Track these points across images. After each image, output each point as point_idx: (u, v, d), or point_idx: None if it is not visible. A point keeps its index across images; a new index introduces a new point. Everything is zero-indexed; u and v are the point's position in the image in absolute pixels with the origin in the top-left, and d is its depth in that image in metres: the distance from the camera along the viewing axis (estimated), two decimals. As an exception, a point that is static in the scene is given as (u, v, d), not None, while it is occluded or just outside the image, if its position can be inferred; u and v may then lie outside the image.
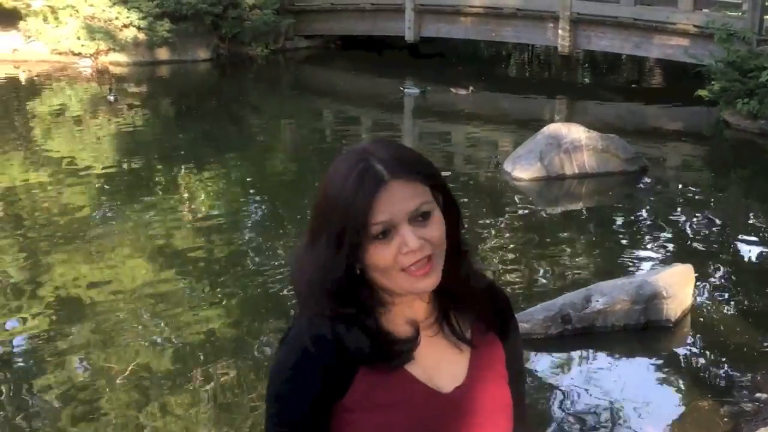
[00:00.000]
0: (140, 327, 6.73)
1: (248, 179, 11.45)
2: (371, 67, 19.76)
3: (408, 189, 1.57)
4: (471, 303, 1.71)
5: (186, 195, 10.46)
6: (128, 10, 18.69)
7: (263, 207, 10.40)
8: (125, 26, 18.76)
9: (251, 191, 10.90)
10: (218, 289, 7.48)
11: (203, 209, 9.85)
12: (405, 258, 1.56)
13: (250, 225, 9.55)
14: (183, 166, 11.58)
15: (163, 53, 19.46)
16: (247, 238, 8.98)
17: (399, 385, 1.62)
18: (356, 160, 1.59)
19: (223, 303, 7.22)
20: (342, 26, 21.15)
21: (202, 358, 6.22)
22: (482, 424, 1.67)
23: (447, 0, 19.46)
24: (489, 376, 1.71)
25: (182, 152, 12.51)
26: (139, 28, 18.77)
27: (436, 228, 1.59)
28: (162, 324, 6.79)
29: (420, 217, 1.57)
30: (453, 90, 16.53)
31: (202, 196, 10.44)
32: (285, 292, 7.46)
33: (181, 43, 19.47)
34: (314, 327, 1.60)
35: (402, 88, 16.58)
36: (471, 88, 16.54)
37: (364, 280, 1.60)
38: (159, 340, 6.54)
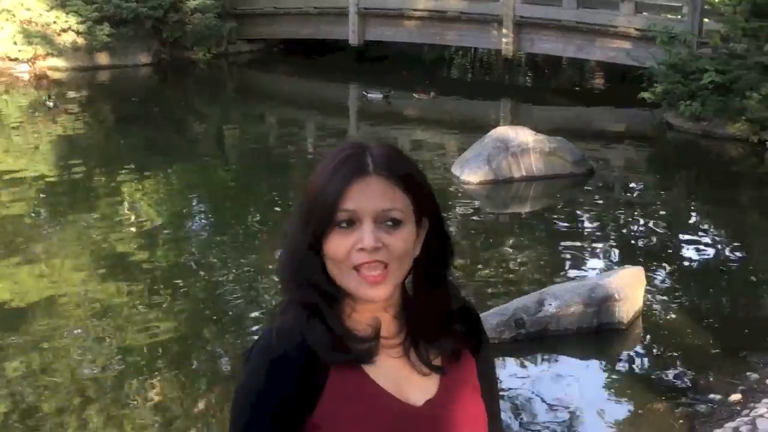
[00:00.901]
0: (82, 335, 6.58)
1: (191, 185, 11.30)
2: (315, 71, 19.64)
3: (386, 189, 1.54)
4: (439, 327, 1.64)
5: (128, 202, 10.25)
6: (66, 14, 18.31)
7: (206, 213, 10.28)
8: (63, 30, 18.38)
9: (194, 197, 10.76)
10: (161, 297, 7.35)
11: (145, 216, 9.65)
12: (357, 255, 1.52)
13: (193, 231, 9.41)
14: (125, 173, 11.35)
15: (103, 58, 19.11)
16: (190, 244, 8.83)
17: (368, 399, 1.57)
18: (346, 151, 1.58)
19: (166, 311, 7.08)
20: (285, 30, 20.99)
21: (144, 366, 6.10)
22: None
23: (391, 3, 19.41)
24: (462, 390, 1.67)
25: (124, 159, 12.27)
26: (78, 33, 18.40)
27: (402, 240, 1.54)
28: (104, 332, 6.63)
29: (389, 222, 1.53)
30: (415, 95, 16.45)
31: (145, 203, 10.25)
32: (228, 298, 7.39)
33: (122, 47, 19.14)
34: (284, 336, 1.56)
35: (365, 93, 16.43)
36: (432, 93, 16.48)
37: (307, 268, 1.56)
38: (101, 349, 6.40)
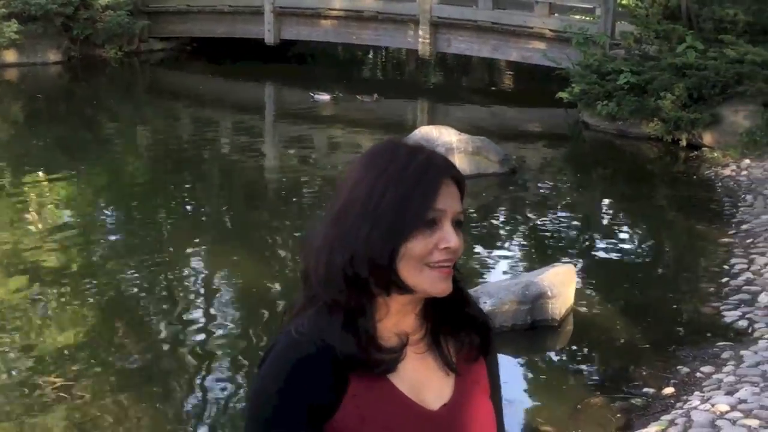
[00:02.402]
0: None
1: (102, 185, 11.13)
2: (228, 71, 19.40)
3: (457, 192, 1.62)
4: (461, 322, 1.69)
5: (37, 203, 10.00)
6: (-29, 10, 17.73)
7: (117, 213, 10.10)
8: (-32, 27, 17.78)
9: (106, 198, 10.60)
10: (71, 300, 7.21)
11: (54, 217, 9.47)
12: (439, 254, 1.56)
13: (103, 232, 9.24)
14: (33, 173, 11.10)
15: (10, 55, 18.55)
16: (100, 245, 8.68)
17: (388, 404, 1.58)
18: (412, 151, 1.61)
19: (76, 316, 6.94)
20: (199, 28, 20.68)
21: (53, 371, 5.98)
22: None
23: (307, 3, 19.29)
24: (474, 392, 1.70)
25: (32, 158, 12.02)
26: (-17, 30, 17.82)
27: (461, 239, 1.60)
28: (12, 338, 6.49)
29: (455, 224, 1.60)
30: (359, 97, 16.32)
31: (54, 203, 10.03)
32: (139, 299, 7.33)
33: (30, 44, 18.59)
34: (305, 338, 1.55)
35: (311, 95, 16.19)
36: (375, 95, 16.41)
37: (382, 279, 1.56)
38: (9, 355, 6.25)
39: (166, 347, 6.52)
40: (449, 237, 1.56)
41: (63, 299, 7.23)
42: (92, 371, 5.97)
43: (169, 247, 8.55)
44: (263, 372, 1.57)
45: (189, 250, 8.48)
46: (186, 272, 7.91)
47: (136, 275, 7.73)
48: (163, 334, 6.67)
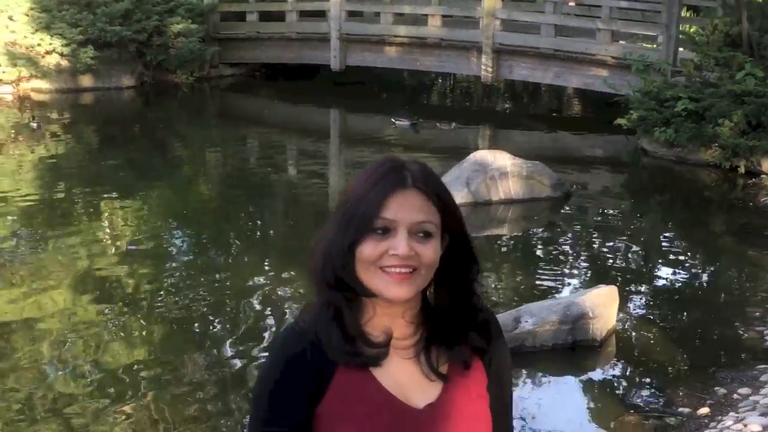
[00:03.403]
0: (62, 357, 6.62)
1: (173, 208, 11.35)
2: (296, 96, 19.81)
3: (422, 203, 1.69)
4: (454, 336, 1.77)
5: (110, 224, 10.31)
6: (51, 36, 18.44)
7: (188, 236, 10.27)
8: (48, 53, 18.48)
9: (176, 220, 10.79)
10: (142, 320, 7.38)
11: (127, 238, 9.68)
12: (388, 259, 1.66)
13: (174, 255, 9.41)
14: (107, 195, 11.42)
15: (86, 80, 19.21)
16: (171, 268, 8.83)
17: (370, 398, 1.69)
18: (388, 163, 1.74)
19: (147, 334, 7.13)
20: (268, 55, 21.20)
21: (123, 390, 6.11)
22: None
23: (372, 30, 19.68)
24: (465, 398, 1.77)
25: (106, 180, 12.34)
26: (62, 55, 18.51)
27: (432, 250, 1.69)
28: (84, 355, 6.68)
29: (421, 234, 1.68)
30: (438, 124, 16.63)
31: (127, 225, 10.30)
32: (208, 322, 7.44)
33: (105, 69, 19.25)
34: (302, 333, 1.72)
35: (393, 120, 16.47)
36: (454, 123, 16.73)
37: (341, 270, 1.70)
38: (81, 371, 6.42)
39: (231, 369, 6.57)
40: (397, 245, 1.64)
41: (132, 318, 7.39)
42: (158, 390, 6.07)
43: (237, 270, 8.69)
44: (267, 361, 1.77)
45: (256, 274, 8.60)
46: (253, 295, 7.98)
47: (204, 297, 7.85)
48: (228, 356, 6.76)
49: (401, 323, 1.74)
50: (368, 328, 1.72)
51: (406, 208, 1.67)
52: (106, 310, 7.55)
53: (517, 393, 6.21)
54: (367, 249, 1.67)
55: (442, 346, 1.76)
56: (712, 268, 9.36)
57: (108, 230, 10.04)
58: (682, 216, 11.32)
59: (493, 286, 8.37)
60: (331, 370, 1.68)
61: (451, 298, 1.75)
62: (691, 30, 16.85)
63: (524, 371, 6.56)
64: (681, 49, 15.58)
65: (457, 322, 1.76)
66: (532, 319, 6.68)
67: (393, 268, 1.66)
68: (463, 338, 1.77)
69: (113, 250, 9.25)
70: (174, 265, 8.94)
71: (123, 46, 19.25)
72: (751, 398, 5.86)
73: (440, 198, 1.71)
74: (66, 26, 18.55)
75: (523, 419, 5.83)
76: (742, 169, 12.29)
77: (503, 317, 6.74)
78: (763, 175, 12.15)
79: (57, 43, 18.40)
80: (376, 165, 1.74)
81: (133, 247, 9.23)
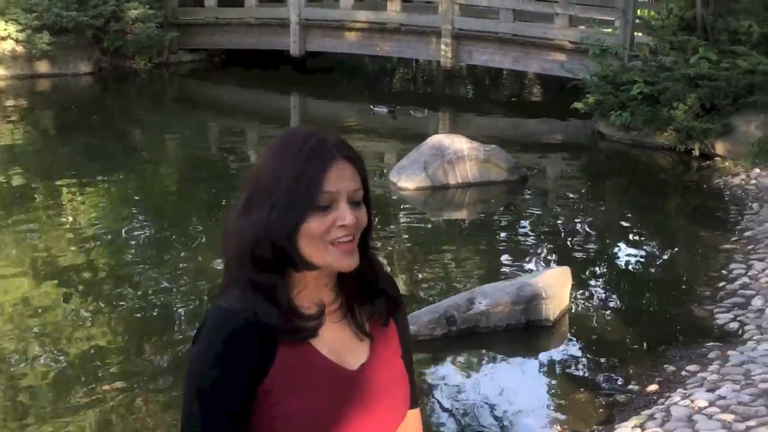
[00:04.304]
0: (20, 345, 6.58)
1: (131, 193, 11.30)
2: (256, 82, 19.74)
3: (351, 171, 1.74)
4: (370, 291, 1.86)
5: (68, 211, 10.24)
6: (6, 22, 18.17)
7: (146, 221, 10.23)
8: (2, 39, 18.23)
9: (136, 207, 10.77)
10: (102, 307, 7.36)
11: (86, 225, 9.63)
12: (336, 231, 1.70)
13: (134, 241, 9.34)
14: (64, 181, 11.33)
15: (42, 66, 18.98)
16: (131, 254, 8.81)
17: (311, 365, 1.74)
18: (305, 136, 1.75)
19: (107, 321, 7.11)
20: (227, 40, 21.07)
21: (84, 377, 6.10)
22: (383, 396, 1.82)
23: (332, 15, 19.64)
24: (387, 353, 1.88)
25: (64, 167, 12.26)
26: (17, 41, 18.28)
27: (363, 215, 1.75)
28: (43, 342, 6.64)
29: (354, 201, 1.74)
30: (412, 112, 16.66)
31: (85, 212, 10.24)
32: (167, 305, 7.45)
33: (62, 56, 19.03)
34: (236, 310, 1.71)
35: (372, 107, 16.45)
36: (426, 110, 16.83)
37: (289, 251, 1.72)
38: (40, 360, 6.39)
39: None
40: (343, 215, 1.69)
41: (92, 305, 7.37)
42: (120, 376, 6.06)
43: (198, 256, 8.67)
44: (200, 343, 1.71)
45: (216, 258, 8.60)
46: (214, 280, 7.94)
47: (164, 282, 7.87)
48: (190, 342, 6.79)
49: (326, 291, 1.80)
50: (301, 302, 1.76)
51: (342, 179, 1.71)
52: (66, 297, 7.51)
53: (470, 373, 6.31)
54: (314, 225, 1.70)
55: (362, 306, 1.84)
56: (665, 249, 9.49)
57: (66, 217, 9.98)
58: (638, 198, 11.45)
59: (448, 268, 8.44)
60: (274, 346, 1.70)
61: (363, 259, 1.79)
62: (648, 14, 16.98)
63: (478, 352, 6.64)
64: (638, 33, 15.72)
65: (369, 281, 1.84)
66: (486, 300, 6.75)
67: (342, 239, 1.71)
68: (377, 292, 1.86)
69: (71, 236, 9.20)
70: (134, 251, 8.91)
71: (79, 31, 19.03)
72: (698, 375, 5.98)
73: (361, 164, 1.77)
74: (21, 12, 18.30)
75: (476, 399, 5.91)
76: (696, 152, 12.45)
77: (457, 298, 6.82)
78: (716, 158, 12.31)
79: (12, 28, 18.16)
80: (298, 139, 1.75)
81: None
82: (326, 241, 1.71)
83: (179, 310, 7.43)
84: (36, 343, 6.65)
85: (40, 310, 7.21)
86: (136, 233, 9.66)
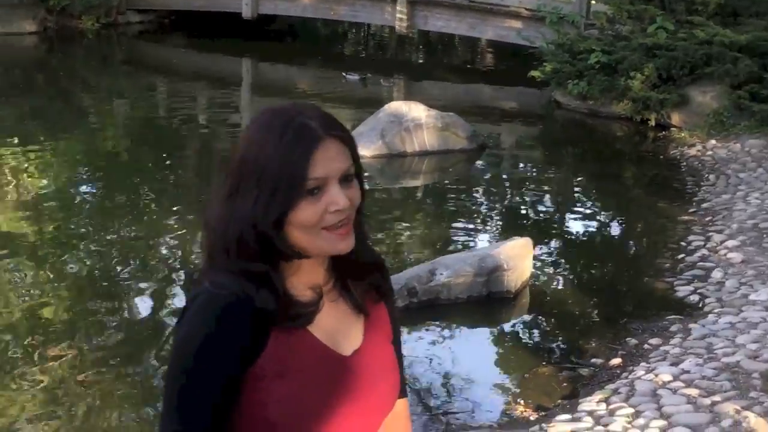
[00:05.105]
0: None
1: (78, 156, 11.08)
2: (206, 45, 19.36)
3: (339, 149, 1.61)
4: (365, 269, 1.76)
5: (12, 173, 9.95)
6: (-55, -22, 17.61)
7: (93, 184, 10.06)
8: (-58, -4, 17.67)
9: (82, 170, 10.56)
10: (46, 269, 7.21)
11: (31, 189, 9.41)
12: (331, 216, 1.59)
13: (80, 204, 9.21)
14: (9, 144, 11.03)
15: (-16, 25, 18.44)
16: (76, 216, 8.66)
17: (306, 350, 1.65)
18: (288, 117, 1.61)
19: (54, 286, 6.95)
20: (178, 1, 20.60)
21: (31, 343, 5.95)
22: (376, 382, 1.75)
23: (285, -23, 19.28)
24: (379, 337, 1.79)
25: (7, 129, 11.90)
26: (-42, -2, 17.72)
27: (357, 192, 1.64)
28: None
29: (345, 180, 1.62)
30: (383, 81, 16.49)
31: (30, 174, 9.98)
32: (116, 269, 7.32)
33: (5, 14, 18.46)
34: (225, 290, 1.59)
35: (344, 74, 16.18)
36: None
37: (276, 242, 1.60)
38: None
39: (141, 319, 6.52)
40: (337, 199, 1.58)
41: (38, 268, 7.22)
42: (68, 344, 5.92)
43: (145, 219, 8.55)
44: (188, 321, 1.60)
45: (165, 222, 8.49)
46: (162, 244, 7.91)
47: (111, 246, 7.74)
48: (139, 307, 6.66)
49: (321, 271, 1.71)
50: (295, 287, 1.66)
51: (330, 160, 1.59)
52: (11, 262, 7.33)
53: (432, 345, 6.20)
54: (305, 214, 1.58)
55: (356, 282, 1.75)
56: (623, 220, 9.47)
57: (11, 181, 9.66)
58: (595, 168, 11.42)
59: (407, 238, 8.32)
60: (267, 327, 1.60)
61: (355, 231, 1.69)
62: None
63: (439, 324, 6.54)
64: (593, 1, 15.65)
65: (363, 258, 1.75)
66: (447, 272, 6.64)
67: (337, 224, 1.61)
68: (370, 269, 1.78)
69: (17, 202, 8.95)
70: (81, 215, 8.76)
71: (24, -11, 18.48)
72: (661, 348, 5.93)
73: (349, 138, 1.66)
74: (-38, -33, 17.72)
75: (437, 373, 5.81)
76: (652, 122, 12.45)
77: (418, 270, 6.70)
78: (672, 128, 12.32)
79: (-48, -15, 17.57)
80: (281, 121, 1.61)
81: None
82: (319, 228, 1.60)
83: (123, 275, 7.29)
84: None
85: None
86: (81, 196, 9.53)
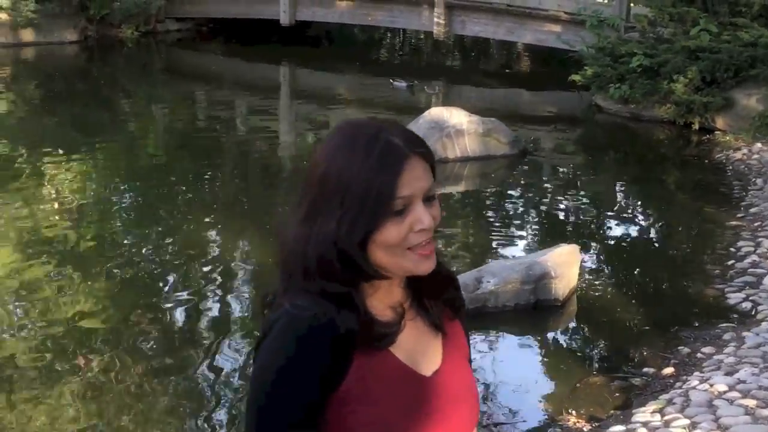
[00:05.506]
0: (5, 317, 6.44)
1: (118, 164, 11.12)
2: (244, 51, 19.44)
3: (424, 168, 1.58)
4: (441, 285, 1.72)
5: (54, 182, 10.02)
6: (-11, -10, 17.83)
7: (133, 192, 10.06)
8: (-13, 7, 17.89)
9: (122, 178, 10.56)
10: (88, 278, 7.22)
11: (72, 196, 9.47)
12: (415, 236, 1.56)
13: (120, 212, 9.25)
14: (50, 152, 11.13)
15: (27, 35, 18.62)
16: (117, 225, 8.70)
17: (388, 371, 1.62)
18: (372, 133, 1.58)
19: (93, 292, 6.96)
20: (216, 9, 20.72)
21: (70, 348, 5.98)
22: (458, 403, 1.70)
23: (322, -17, 19.31)
24: (458, 356, 1.76)
25: (49, 137, 12.04)
26: (2, 8, 17.90)
27: (438, 210, 1.60)
28: (29, 314, 6.52)
29: (428, 198, 1.58)
30: (426, 89, 16.32)
31: (71, 182, 10.05)
32: (155, 278, 7.35)
33: (47, 24, 18.67)
34: (307, 312, 1.55)
35: (391, 81, 16.17)
36: (437, 87, 16.60)
37: (359, 262, 1.56)
38: (25, 331, 6.27)
39: (180, 325, 6.56)
40: (423, 218, 1.55)
41: (80, 276, 7.23)
42: (108, 348, 5.97)
43: (185, 226, 8.57)
44: (269, 346, 1.57)
45: (204, 230, 8.53)
46: (201, 251, 7.90)
47: (152, 254, 7.78)
48: (177, 312, 6.70)
49: (398, 290, 1.67)
50: (375, 307, 1.63)
51: (416, 179, 1.56)
52: (53, 271, 7.37)
53: (480, 354, 6.13)
54: (391, 233, 1.55)
55: (433, 300, 1.72)
56: (668, 226, 9.34)
57: (52, 187, 9.75)
58: (638, 173, 11.28)
59: (452, 245, 8.25)
60: (350, 351, 1.57)
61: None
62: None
63: (487, 332, 6.46)
64: (633, 4, 15.50)
65: (439, 274, 1.70)
66: (494, 279, 6.56)
67: (421, 243, 1.57)
68: (444, 290, 1.74)
69: (57, 208, 9.02)
70: (121, 223, 8.80)
71: (65, -1, 18.67)
72: (715, 357, 5.81)
73: (432, 157, 1.63)
74: (5, -21, 17.93)
75: (486, 382, 5.73)
76: (696, 126, 12.29)
77: (464, 277, 6.62)
78: (717, 132, 12.15)
79: (-4, -4, 17.79)
80: (364, 139, 1.57)
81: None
82: (404, 248, 1.57)
83: (166, 280, 7.33)
84: (19, 316, 6.52)
85: (24, 283, 7.05)
86: (122, 204, 9.56)
